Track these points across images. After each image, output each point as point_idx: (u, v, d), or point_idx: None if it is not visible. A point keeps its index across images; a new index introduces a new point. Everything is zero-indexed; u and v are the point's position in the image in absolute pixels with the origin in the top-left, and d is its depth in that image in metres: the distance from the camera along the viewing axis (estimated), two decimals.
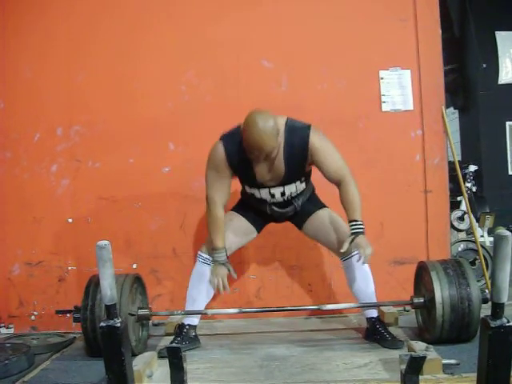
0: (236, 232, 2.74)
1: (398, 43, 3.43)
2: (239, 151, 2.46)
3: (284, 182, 2.60)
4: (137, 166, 3.40)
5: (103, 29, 3.45)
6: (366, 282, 2.73)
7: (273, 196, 2.64)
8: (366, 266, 2.71)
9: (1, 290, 3.38)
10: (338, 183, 2.55)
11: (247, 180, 2.65)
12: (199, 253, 2.76)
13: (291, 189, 2.63)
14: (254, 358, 2.51)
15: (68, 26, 3.45)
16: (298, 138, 2.47)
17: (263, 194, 2.64)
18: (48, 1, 3.49)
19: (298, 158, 2.51)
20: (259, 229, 2.83)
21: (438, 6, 3.42)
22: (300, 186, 2.65)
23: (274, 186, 2.61)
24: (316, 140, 2.48)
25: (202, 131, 3.38)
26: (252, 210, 2.74)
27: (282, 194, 2.63)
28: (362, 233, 2.48)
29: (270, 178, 2.58)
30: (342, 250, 2.50)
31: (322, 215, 2.74)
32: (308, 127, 2.50)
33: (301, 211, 2.74)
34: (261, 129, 2.31)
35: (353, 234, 2.48)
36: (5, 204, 3.41)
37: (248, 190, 2.69)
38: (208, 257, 2.71)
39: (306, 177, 2.66)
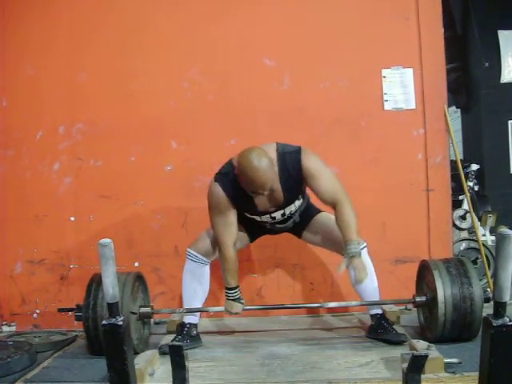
0: None
1: (401, 42, 3.42)
2: (237, 188, 2.46)
3: (284, 206, 2.62)
4: (139, 164, 3.40)
5: (105, 26, 3.45)
6: (370, 279, 2.73)
7: (273, 218, 2.67)
8: (370, 263, 2.74)
9: (3, 289, 3.39)
10: (333, 205, 2.54)
11: (249, 211, 2.64)
12: (188, 250, 2.77)
13: (291, 208, 2.65)
14: (256, 356, 2.51)
15: (70, 24, 3.45)
16: (290, 164, 2.47)
17: (264, 218, 2.67)
18: None
19: (294, 182, 2.51)
20: (253, 239, 2.87)
21: (440, 5, 3.41)
22: (298, 202, 2.68)
23: (274, 211, 2.63)
24: (308, 163, 2.48)
25: (205, 129, 3.39)
26: (250, 221, 2.74)
27: (283, 214, 2.66)
28: (358, 253, 2.44)
29: (271, 206, 2.60)
30: (338, 273, 2.49)
31: (319, 219, 2.77)
32: (298, 151, 2.50)
33: (299, 222, 2.76)
34: (258, 169, 2.31)
35: (349, 254, 2.42)
36: (7, 202, 3.41)
37: (248, 215, 2.70)
38: (197, 254, 2.73)
39: (302, 193, 2.69)
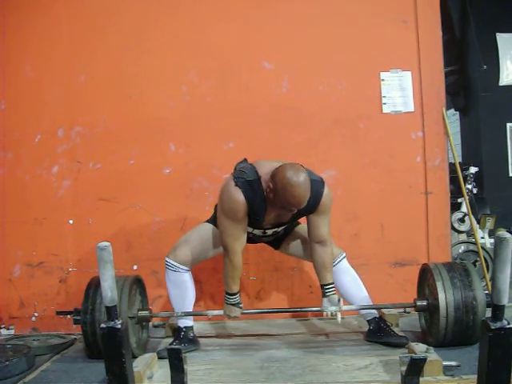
0: (207, 244, 2.72)
1: (399, 45, 3.43)
2: (257, 200, 2.42)
3: (282, 225, 2.64)
4: (137, 167, 3.39)
5: (105, 29, 3.45)
6: (357, 285, 2.77)
7: (264, 233, 2.67)
8: (354, 273, 2.77)
9: (1, 292, 3.38)
10: (318, 242, 2.57)
11: (250, 224, 2.57)
12: (167, 260, 2.73)
13: (283, 226, 2.66)
14: (255, 359, 2.51)
15: (70, 27, 3.45)
16: (312, 192, 2.41)
17: (256, 232, 2.66)
18: (50, 1, 3.49)
19: (306, 210, 2.48)
20: None
21: (438, 8, 3.42)
22: (293, 223, 2.71)
23: (271, 228, 2.63)
24: (326, 199, 2.50)
25: (203, 132, 3.39)
26: None
27: (275, 232, 2.67)
28: (335, 293, 2.64)
29: (273, 224, 2.59)
30: (331, 315, 2.63)
31: (297, 232, 2.78)
32: (322, 183, 2.50)
33: (280, 235, 2.78)
34: (300, 185, 2.28)
35: (332, 293, 2.62)
36: (6, 205, 3.41)
37: None
38: (176, 264, 2.69)
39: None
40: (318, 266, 2.62)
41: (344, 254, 2.78)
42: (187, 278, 2.72)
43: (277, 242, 2.83)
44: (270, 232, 2.66)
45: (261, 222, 2.55)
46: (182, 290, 2.72)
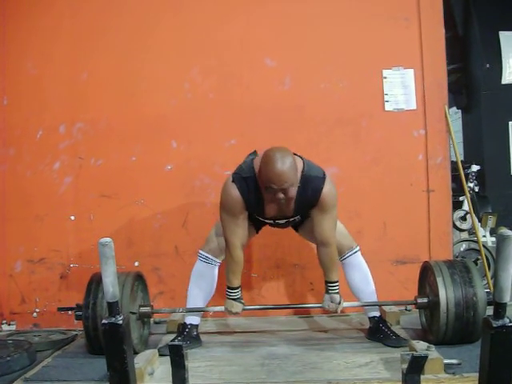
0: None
1: (402, 42, 3.42)
2: (253, 193, 2.46)
3: (290, 218, 2.64)
4: (139, 163, 3.40)
5: (108, 26, 3.45)
6: (366, 281, 2.77)
7: (276, 223, 2.68)
8: (365, 264, 2.77)
9: (3, 287, 3.39)
10: (322, 243, 2.57)
11: (259, 215, 2.62)
12: (200, 251, 2.78)
13: (295, 217, 2.66)
14: (256, 356, 2.51)
15: (72, 24, 3.45)
16: (311, 189, 2.44)
17: (268, 221, 2.68)
18: None
19: (308, 204, 2.51)
20: (258, 230, 2.82)
21: (441, 6, 3.41)
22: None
23: (279, 219, 2.64)
24: (326, 197, 2.48)
25: (205, 129, 3.39)
26: (254, 217, 2.71)
27: (287, 221, 2.67)
28: (338, 293, 2.62)
29: (278, 215, 2.59)
30: (331, 310, 2.63)
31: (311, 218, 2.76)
32: (322, 179, 2.48)
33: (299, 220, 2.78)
34: (280, 163, 2.28)
35: (335, 292, 2.60)
36: (7, 201, 3.41)
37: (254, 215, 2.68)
38: (208, 255, 2.74)
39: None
40: (321, 265, 2.62)
41: (357, 248, 2.77)
42: (213, 273, 2.76)
43: (296, 225, 2.81)
44: (282, 221, 2.66)
45: (263, 215, 2.58)
46: (203, 285, 2.75)
